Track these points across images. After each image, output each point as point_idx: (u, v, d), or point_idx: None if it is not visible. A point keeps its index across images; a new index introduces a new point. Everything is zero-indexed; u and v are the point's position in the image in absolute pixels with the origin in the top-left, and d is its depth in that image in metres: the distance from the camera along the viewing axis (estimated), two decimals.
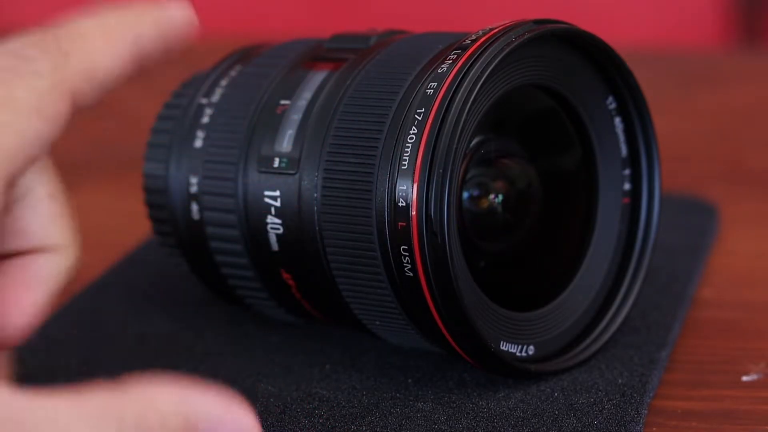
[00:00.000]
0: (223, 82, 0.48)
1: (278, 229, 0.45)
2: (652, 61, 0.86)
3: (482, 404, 0.43)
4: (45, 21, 0.37)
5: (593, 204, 0.48)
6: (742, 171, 0.69)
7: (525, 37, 0.43)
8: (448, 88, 0.42)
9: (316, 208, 0.43)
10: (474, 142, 0.45)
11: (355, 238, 0.43)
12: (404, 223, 0.41)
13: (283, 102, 0.46)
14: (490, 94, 0.43)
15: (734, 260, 0.57)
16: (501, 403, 0.43)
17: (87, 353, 0.48)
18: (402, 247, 0.41)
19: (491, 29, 0.43)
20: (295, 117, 0.45)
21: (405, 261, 0.41)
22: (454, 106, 0.41)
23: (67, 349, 0.48)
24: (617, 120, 0.47)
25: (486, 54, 0.42)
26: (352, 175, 0.43)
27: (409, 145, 0.42)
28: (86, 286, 0.54)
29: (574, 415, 0.42)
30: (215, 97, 0.48)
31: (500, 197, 0.46)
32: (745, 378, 0.46)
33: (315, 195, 0.43)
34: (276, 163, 0.45)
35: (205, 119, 0.48)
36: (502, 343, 0.44)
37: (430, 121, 0.41)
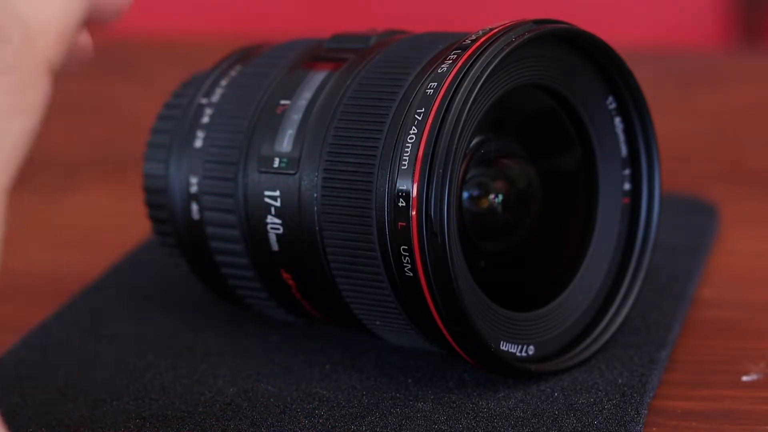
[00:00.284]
0: (223, 82, 0.48)
1: (278, 229, 0.45)
2: (652, 61, 0.86)
3: (482, 404, 0.43)
4: None
5: (593, 204, 0.48)
6: (742, 171, 0.69)
7: (525, 37, 0.43)
8: (448, 88, 0.42)
9: (316, 208, 0.43)
10: (474, 142, 0.45)
11: (355, 238, 0.43)
12: (404, 223, 0.41)
13: (283, 102, 0.46)
14: (490, 94, 0.43)
15: (734, 260, 0.57)
16: (501, 403, 0.43)
17: (87, 353, 0.48)
18: (402, 247, 0.41)
19: (491, 29, 0.43)
20: (295, 117, 0.45)
21: (405, 261, 0.41)
22: (454, 106, 0.41)
23: (67, 349, 0.48)
24: (617, 120, 0.47)
25: (486, 54, 0.42)
26: (352, 175, 0.43)
27: (409, 144, 0.42)
28: (86, 286, 0.54)
29: (574, 415, 0.42)
30: (215, 97, 0.48)
31: (500, 197, 0.46)
32: (745, 378, 0.46)
33: (315, 195, 0.43)
34: (276, 163, 0.45)
35: (205, 119, 0.48)
36: (502, 343, 0.44)
37: (430, 121, 0.41)
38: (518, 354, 0.45)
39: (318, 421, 0.43)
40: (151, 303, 0.52)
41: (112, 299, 0.53)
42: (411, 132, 0.42)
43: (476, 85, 0.42)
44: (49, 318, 0.51)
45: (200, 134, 0.47)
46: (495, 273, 0.46)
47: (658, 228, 0.48)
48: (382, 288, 0.43)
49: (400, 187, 0.41)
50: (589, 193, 0.48)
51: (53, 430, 0.42)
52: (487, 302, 0.44)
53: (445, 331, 0.42)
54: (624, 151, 0.47)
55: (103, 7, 0.36)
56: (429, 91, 0.42)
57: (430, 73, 0.43)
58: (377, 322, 0.45)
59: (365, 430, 0.42)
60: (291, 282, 0.46)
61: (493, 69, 0.42)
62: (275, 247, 0.45)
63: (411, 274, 0.42)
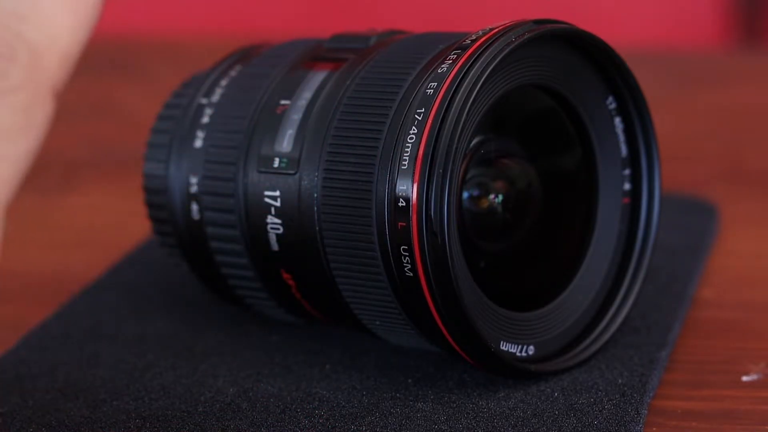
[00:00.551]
0: (223, 82, 0.48)
1: (278, 229, 0.45)
2: (652, 61, 0.86)
3: (482, 404, 0.43)
4: None
5: (593, 204, 0.48)
6: (742, 171, 0.69)
7: (525, 37, 0.43)
8: (448, 88, 0.42)
9: (316, 208, 0.43)
10: (474, 142, 0.45)
11: (355, 238, 0.43)
12: (404, 223, 0.41)
13: (283, 102, 0.46)
14: (490, 94, 0.43)
15: (734, 260, 0.57)
16: (501, 403, 0.43)
17: (87, 353, 0.48)
18: (402, 247, 0.41)
19: (491, 29, 0.43)
20: (295, 117, 0.45)
21: (405, 261, 0.41)
22: (454, 106, 0.41)
23: (67, 349, 0.48)
24: (617, 120, 0.47)
25: (486, 54, 0.42)
26: (352, 175, 0.43)
27: (409, 145, 0.42)
28: (86, 286, 0.54)
29: (574, 415, 0.42)
30: (215, 97, 0.48)
31: (500, 197, 0.46)
32: (745, 378, 0.46)
33: (315, 195, 0.43)
34: (276, 163, 0.45)
35: (205, 119, 0.48)
36: (502, 343, 0.44)
37: (430, 121, 0.41)
38: (518, 354, 0.45)
39: (318, 421, 0.43)
40: (151, 303, 0.52)
41: (112, 299, 0.53)
42: (411, 132, 0.42)
43: (476, 85, 0.42)
44: (49, 318, 0.51)
45: (200, 134, 0.47)
46: (495, 273, 0.46)
47: (658, 228, 0.48)
48: (382, 288, 0.43)
49: (400, 187, 0.41)
50: (589, 193, 0.48)
51: (53, 430, 0.42)
52: (487, 302, 0.44)
53: (445, 331, 0.42)
54: (624, 151, 0.47)
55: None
56: (429, 91, 0.42)
57: (430, 73, 0.43)
58: (377, 322, 0.45)
59: (365, 430, 0.42)
60: (291, 282, 0.46)
61: (493, 69, 0.42)
62: (275, 247, 0.45)
63: (411, 274, 0.42)
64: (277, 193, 0.44)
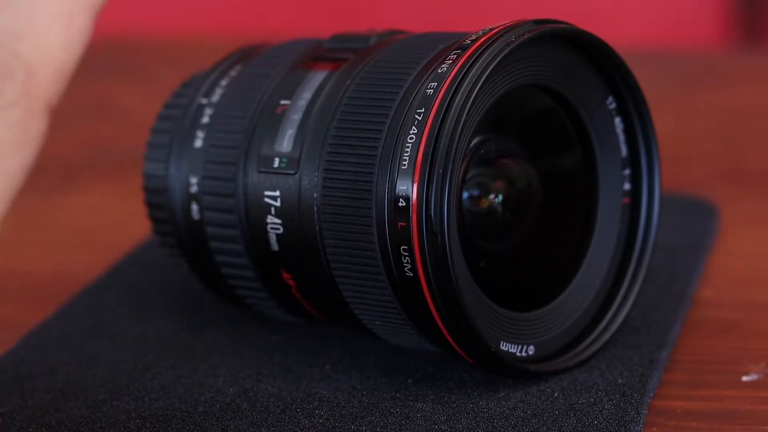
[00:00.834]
0: (223, 82, 0.48)
1: (278, 229, 0.45)
2: (652, 61, 0.86)
3: (482, 404, 0.43)
4: None
5: (593, 204, 0.48)
6: (742, 171, 0.69)
7: (525, 37, 0.43)
8: (448, 88, 0.42)
9: (316, 208, 0.43)
10: (474, 142, 0.45)
11: (355, 238, 0.43)
12: (404, 223, 0.41)
13: (283, 102, 0.46)
14: (490, 94, 0.43)
15: (734, 260, 0.57)
16: (501, 403, 0.43)
17: (87, 353, 0.48)
18: (402, 247, 0.41)
19: (491, 29, 0.43)
20: (295, 117, 0.45)
21: (405, 261, 0.41)
22: (454, 106, 0.41)
23: (67, 349, 0.48)
24: (617, 120, 0.47)
25: (486, 54, 0.42)
26: (352, 175, 0.43)
27: (409, 145, 0.42)
28: (86, 286, 0.54)
29: (574, 415, 0.42)
30: (215, 97, 0.48)
31: (500, 197, 0.46)
32: (745, 378, 0.46)
33: (315, 195, 0.43)
34: (276, 163, 0.45)
35: (205, 119, 0.48)
36: (502, 343, 0.44)
37: (430, 121, 0.41)
38: (518, 354, 0.45)
39: (318, 421, 0.43)
40: (151, 303, 0.52)
41: (112, 299, 0.53)
42: (411, 132, 0.42)
43: (476, 85, 0.42)
44: (49, 318, 0.51)
45: (200, 134, 0.47)
46: (495, 273, 0.46)
47: (658, 228, 0.48)
48: (382, 288, 0.43)
49: (400, 187, 0.41)
50: (589, 193, 0.48)
51: (53, 430, 0.42)
52: (487, 302, 0.44)
53: (445, 331, 0.42)
54: (624, 151, 0.47)
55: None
56: (429, 91, 0.42)
57: (430, 73, 0.43)
58: (377, 322, 0.45)
59: (365, 430, 0.42)
60: (291, 282, 0.46)
61: (493, 69, 0.42)
62: (275, 247, 0.45)
63: (411, 274, 0.42)
64: (277, 193, 0.44)
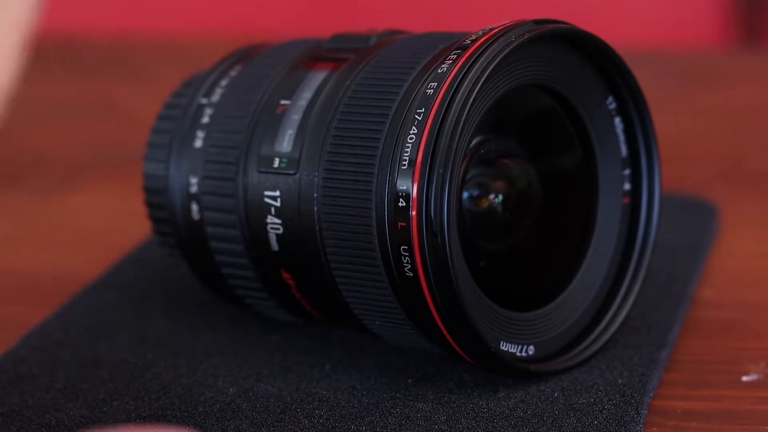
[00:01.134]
0: (223, 82, 0.48)
1: (278, 229, 0.45)
2: (652, 61, 0.86)
3: (482, 404, 0.43)
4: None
5: (593, 204, 0.48)
6: (742, 171, 0.69)
7: (525, 37, 0.43)
8: (448, 88, 0.42)
9: (316, 208, 0.43)
10: (474, 142, 0.45)
11: (355, 238, 0.43)
12: (404, 223, 0.41)
13: (283, 102, 0.46)
14: (490, 94, 0.43)
15: (734, 260, 0.57)
16: (501, 403, 0.43)
17: (87, 353, 0.48)
18: (402, 247, 0.41)
19: (491, 29, 0.43)
20: (295, 117, 0.45)
21: (405, 261, 0.41)
22: (454, 106, 0.41)
23: (67, 349, 0.48)
24: (617, 120, 0.47)
25: (486, 54, 0.42)
26: (352, 175, 0.43)
27: (409, 145, 0.42)
28: (86, 286, 0.54)
29: (574, 415, 0.42)
30: (215, 97, 0.48)
31: (500, 197, 0.46)
32: (745, 378, 0.46)
33: (315, 195, 0.43)
34: (276, 163, 0.45)
35: (205, 119, 0.48)
36: (502, 343, 0.44)
37: (430, 121, 0.41)
38: (518, 354, 0.45)
39: (318, 421, 0.43)
40: (151, 303, 0.52)
41: (112, 299, 0.53)
42: (411, 132, 0.42)
43: (476, 85, 0.42)
44: (49, 318, 0.51)
45: (200, 134, 0.47)
46: (495, 273, 0.46)
47: (658, 228, 0.48)
48: (382, 288, 0.43)
49: (400, 187, 0.41)
50: (589, 193, 0.48)
51: (53, 430, 0.42)
52: (487, 302, 0.44)
53: (445, 331, 0.42)
54: (624, 151, 0.47)
55: None
56: (429, 91, 0.42)
57: (430, 73, 0.43)
58: (377, 322, 0.45)
59: (365, 430, 0.42)
60: (291, 282, 0.46)
61: (493, 69, 0.42)
62: (275, 247, 0.45)
63: (411, 274, 0.42)
64: (277, 193, 0.44)
